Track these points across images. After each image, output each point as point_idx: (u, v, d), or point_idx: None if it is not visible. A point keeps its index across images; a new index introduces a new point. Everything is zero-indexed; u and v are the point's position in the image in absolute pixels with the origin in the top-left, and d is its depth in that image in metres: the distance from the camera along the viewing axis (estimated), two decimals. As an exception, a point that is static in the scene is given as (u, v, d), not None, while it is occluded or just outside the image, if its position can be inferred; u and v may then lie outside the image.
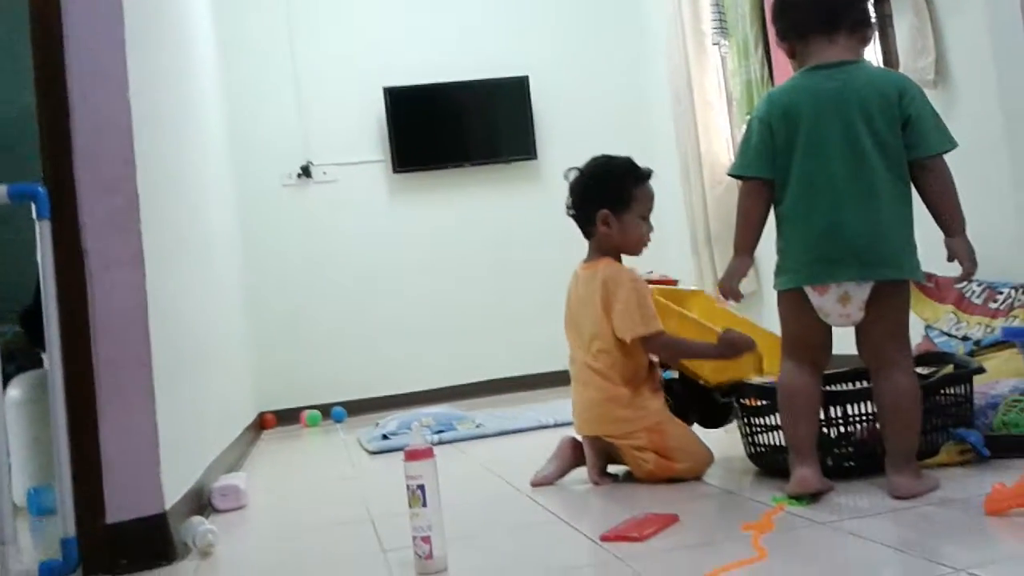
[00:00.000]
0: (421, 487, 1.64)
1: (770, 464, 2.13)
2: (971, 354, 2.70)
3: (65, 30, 2.05)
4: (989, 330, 2.79)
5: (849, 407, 2.02)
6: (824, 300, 1.77)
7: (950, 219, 1.78)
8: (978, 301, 2.93)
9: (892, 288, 1.76)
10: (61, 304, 2.02)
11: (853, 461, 1.99)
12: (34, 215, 2.00)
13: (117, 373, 2.03)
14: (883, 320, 1.76)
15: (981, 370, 2.13)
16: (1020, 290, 2.80)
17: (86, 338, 2.02)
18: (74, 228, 2.04)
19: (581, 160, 5.88)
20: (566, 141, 5.55)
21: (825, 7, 1.82)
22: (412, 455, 1.67)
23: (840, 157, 1.75)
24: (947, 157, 1.76)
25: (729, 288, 1.87)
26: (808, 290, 1.78)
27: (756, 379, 2.26)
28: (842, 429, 2.02)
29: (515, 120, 5.45)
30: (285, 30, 5.31)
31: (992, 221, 3.00)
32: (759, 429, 2.15)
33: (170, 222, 2.57)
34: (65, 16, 2.06)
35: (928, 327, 3.00)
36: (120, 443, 2.02)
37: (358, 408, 5.04)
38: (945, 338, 2.93)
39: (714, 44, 4.53)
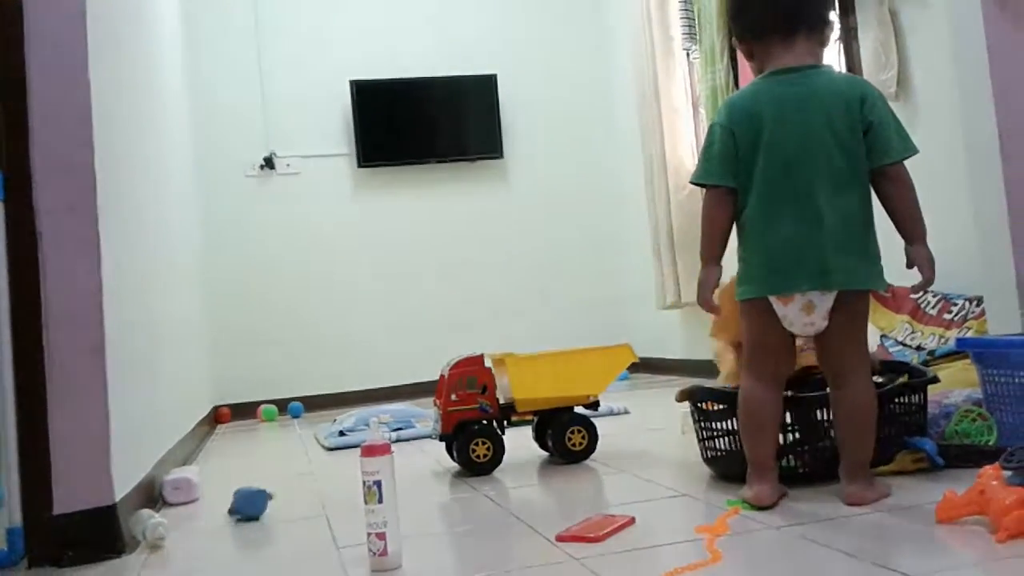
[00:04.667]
0: (377, 483, 1.63)
1: (725, 469, 2.14)
2: (925, 364, 2.74)
3: (25, 11, 2.00)
4: (943, 340, 2.84)
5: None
6: (788, 309, 1.76)
7: (912, 226, 1.79)
8: (933, 312, 2.97)
9: (854, 297, 1.77)
10: (12, 288, 1.97)
11: (807, 468, 2.01)
12: (-13, 197, 1.95)
13: (69, 360, 1.98)
14: (844, 329, 1.77)
15: (935, 380, 2.16)
16: (974, 302, 2.85)
17: (37, 323, 1.97)
18: (28, 211, 1.99)
19: (547, 161, 5.94)
20: (533, 141, 5.57)
21: (782, 8, 1.80)
22: (369, 451, 1.65)
23: (803, 164, 1.74)
24: (908, 167, 1.77)
25: (705, 301, 1.84)
26: (772, 299, 1.77)
27: (711, 383, 2.27)
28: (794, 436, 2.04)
29: (482, 118, 5.44)
30: (252, 18, 5.25)
31: (948, 234, 3.04)
32: (715, 434, 2.16)
33: (128, 208, 2.52)
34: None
35: (883, 336, 3.04)
36: (70, 433, 1.97)
37: (316, 404, 5.00)
38: (900, 347, 2.97)
39: (683, 50, 4.55)
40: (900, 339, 2.98)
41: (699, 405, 2.20)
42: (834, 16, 3.51)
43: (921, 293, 3.06)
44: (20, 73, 2.00)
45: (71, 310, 2.00)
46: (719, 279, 1.84)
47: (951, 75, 3.00)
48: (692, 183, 1.88)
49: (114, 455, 2.03)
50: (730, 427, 2.07)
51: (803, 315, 1.75)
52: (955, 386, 2.45)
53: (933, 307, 2.98)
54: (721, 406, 2.12)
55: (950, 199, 3.03)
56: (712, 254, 1.83)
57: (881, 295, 2.96)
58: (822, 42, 1.84)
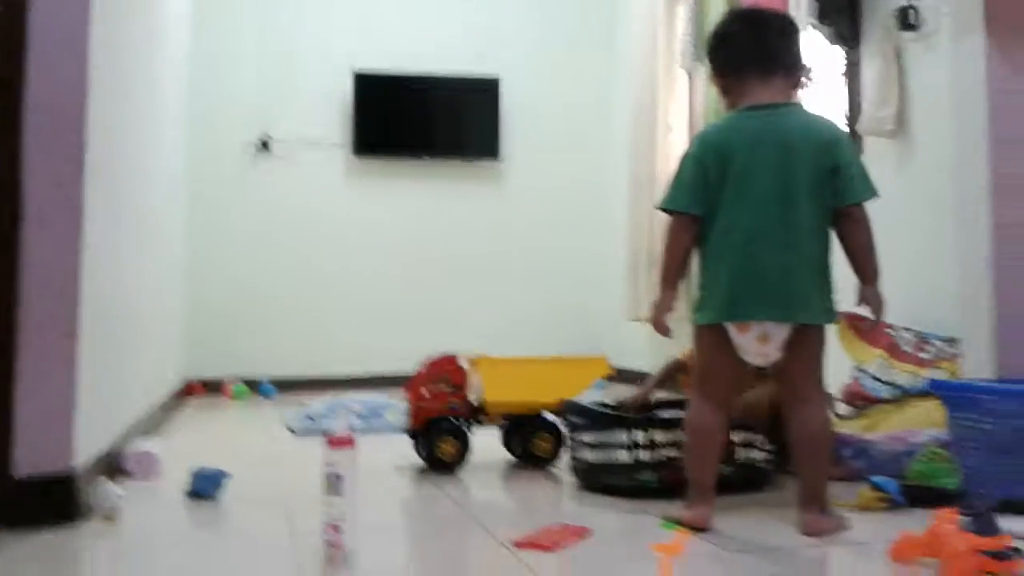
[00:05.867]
0: (338, 475, 1.62)
1: (587, 480, 2.25)
2: (896, 400, 2.76)
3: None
4: (916, 379, 2.85)
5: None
6: (744, 338, 1.78)
7: (867, 267, 1.83)
8: (908, 349, 2.98)
9: (810, 330, 1.79)
10: (-9, 253, 1.95)
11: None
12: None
13: (41, 329, 1.97)
14: (799, 360, 1.79)
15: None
16: (950, 343, 2.86)
17: (13, 294, 1.96)
18: (15, 185, 1.97)
19: (543, 167, 5.94)
20: (531, 145, 5.56)
21: (764, 48, 1.85)
22: (333, 442, 1.65)
23: (770, 200, 1.76)
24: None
25: (659, 323, 1.86)
26: (729, 327, 1.79)
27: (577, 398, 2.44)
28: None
29: (483, 120, 5.43)
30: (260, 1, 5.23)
31: (931, 273, 3.07)
32: (579, 445, 2.27)
33: (115, 187, 2.51)
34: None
35: (859, 368, 3.05)
36: (35, 399, 1.96)
37: (289, 387, 4.97)
38: (874, 382, 2.98)
39: (682, 67, 4.55)
40: (874, 373, 2.99)
41: (568, 419, 2.35)
42: (837, 50, 3.55)
43: (898, 329, 3.08)
44: (19, 46, 1.98)
45: (49, 283, 1.98)
46: (675, 302, 1.85)
47: (949, 118, 3.02)
48: (658, 208, 1.90)
49: (78, 423, 2.02)
50: (591, 440, 2.23)
51: (758, 344, 1.77)
52: (924, 425, 2.46)
53: (909, 344, 3.00)
54: (581, 420, 2.27)
55: (934, 239, 3.06)
56: (672, 279, 1.85)
57: (857, 326, 2.97)
58: (796, 85, 1.88)
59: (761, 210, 1.77)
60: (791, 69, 1.87)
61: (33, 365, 1.97)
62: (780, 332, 1.76)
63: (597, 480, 2.23)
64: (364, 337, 5.24)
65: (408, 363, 4.98)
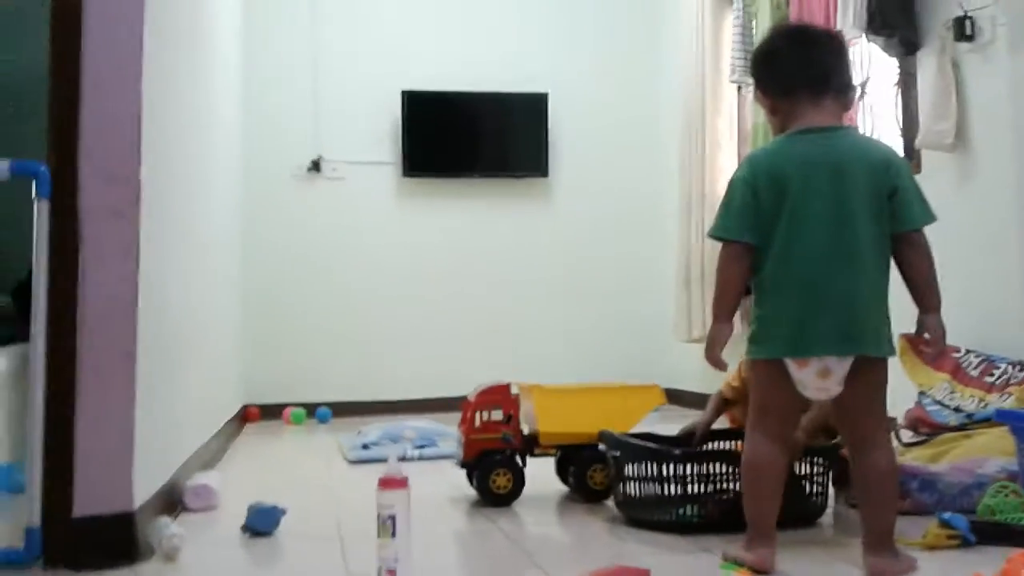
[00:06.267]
0: (392, 517, 1.62)
1: (632, 515, 2.22)
2: (962, 427, 2.68)
3: (85, 17, 2.02)
4: (983, 404, 2.76)
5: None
6: (804, 373, 1.72)
7: (928, 295, 1.76)
8: (974, 373, 2.90)
9: (872, 363, 1.73)
10: (51, 288, 1.99)
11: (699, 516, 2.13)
12: (33, 194, 1.98)
13: (100, 364, 2.00)
14: (862, 395, 1.73)
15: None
16: (1018, 367, 2.77)
17: (72, 325, 1.99)
18: (73, 213, 2.01)
19: (591, 183, 5.91)
20: (578, 162, 5.55)
21: (817, 67, 1.79)
22: (386, 484, 1.64)
23: (827, 227, 1.71)
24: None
25: (713, 357, 1.80)
26: (788, 362, 1.73)
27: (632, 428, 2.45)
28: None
29: (530, 136, 5.43)
30: (309, 22, 5.29)
31: (998, 294, 2.98)
32: (620, 478, 2.25)
33: (171, 213, 2.55)
34: (86, 4, 2.03)
35: (921, 394, 2.97)
36: (95, 436, 1.98)
37: (344, 410, 5.00)
38: (938, 406, 2.89)
39: (732, 82, 4.50)
40: (939, 398, 2.91)
41: (608, 451, 2.34)
42: (891, 61, 3.47)
43: (963, 352, 3.00)
44: (75, 77, 2.03)
45: (106, 315, 2.01)
46: (730, 336, 1.79)
47: (1010, 130, 2.94)
48: (711, 236, 1.84)
49: (137, 460, 2.04)
50: (636, 473, 2.20)
51: (818, 380, 1.71)
52: (991, 454, 2.38)
53: (975, 368, 2.91)
54: (617, 453, 2.25)
55: (999, 257, 2.97)
56: (726, 310, 1.79)
57: (920, 350, 2.89)
58: (846, 106, 1.83)
59: (819, 238, 1.72)
60: (842, 89, 1.82)
61: (93, 399, 1.99)
62: (842, 366, 1.71)
63: (638, 514, 2.20)
64: (417, 360, 5.25)
65: (461, 386, 5.00)
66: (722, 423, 2.61)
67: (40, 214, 1.98)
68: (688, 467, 2.16)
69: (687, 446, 2.37)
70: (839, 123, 1.81)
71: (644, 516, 2.19)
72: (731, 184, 1.81)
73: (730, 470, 2.15)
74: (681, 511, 2.14)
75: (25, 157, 2.02)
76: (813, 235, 1.71)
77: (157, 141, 2.27)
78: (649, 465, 2.17)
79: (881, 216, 1.72)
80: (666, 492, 2.15)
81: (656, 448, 2.26)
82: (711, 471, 2.16)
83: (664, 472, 2.15)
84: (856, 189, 1.71)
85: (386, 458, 3.23)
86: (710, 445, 2.44)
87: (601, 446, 2.38)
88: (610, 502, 2.49)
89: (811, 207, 1.72)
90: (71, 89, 2.02)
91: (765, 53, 1.89)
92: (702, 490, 2.15)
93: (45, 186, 1.97)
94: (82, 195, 2.01)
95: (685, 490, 2.15)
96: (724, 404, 2.61)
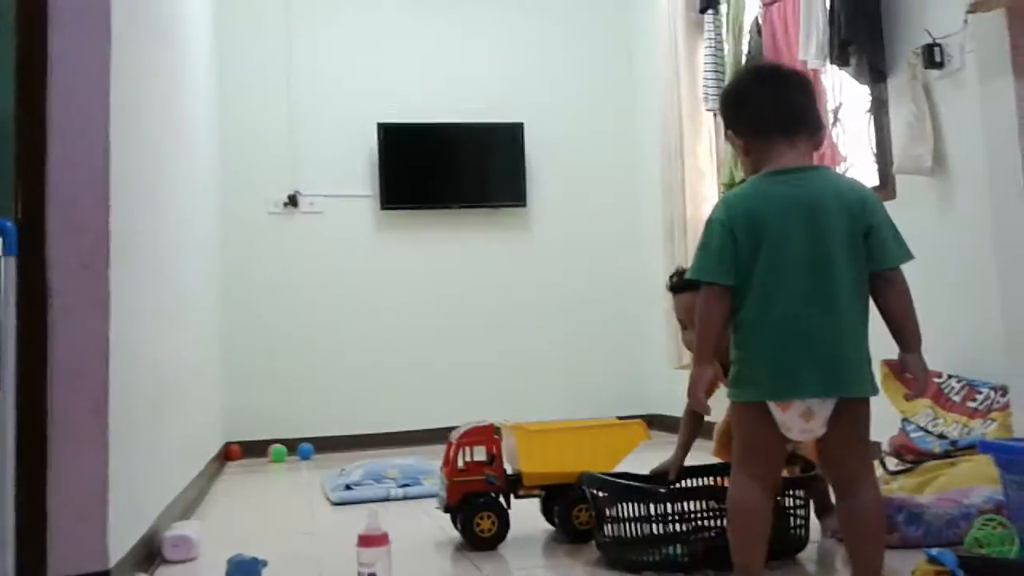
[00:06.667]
0: (373, 575, 1.59)
1: (617, 556, 2.20)
2: (946, 454, 2.67)
3: (49, 67, 2.00)
4: (966, 430, 2.76)
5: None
6: (787, 416, 1.71)
7: (909, 334, 1.75)
8: (957, 398, 2.90)
9: (855, 404, 1.71)
10: (20, 343, 1.94)
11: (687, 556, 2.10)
12: None
13: (70, 420, 1.96)
14: (846, 436, 1.72)
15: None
16: (999, 391, 2.77)
17: (42, 380, 1.96)
18: (41, 266, 1.98)
19: (571, 212, 5.90)
20: (557, 191, 5.55)
21: (788, 108, 1.79)
22: (366, 541, 1.62)
23: (805, 268, 1.70)
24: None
25: (696, 399, 1.77)
26: (771, 404, 1.72)
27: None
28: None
29: (507, 166, 5.43)
30: (284, 57, 5.29)
31: (977, 318, 2.99)
32: (602, 519, 2.23)
33: (143, 261, 2.51)
34: (50, 50, 2.01)
35: (905, 420, 2.96)
36: (67, 494, 1.95)
37: (327, 445, 4.96)
38: (921, 433, 2.89)
39: (708, 110, 4.52)
40: (922, 424, 2.91)
41: (587, 492, 2.32)
42: (864, 90, 3.49)
43: (945, 377, 3.00)
44: (40, 129, 2.00)
45: (77, 369, 1.98)
46: (712, 377, 1.78)
47: (984, 155, 2.95)
48: (688, 279, 1.82)
49: (112, 516, 2.00)
50: (617, 514, 2.17)
51: (802, 422, 1.70)
52: (977, 482, 2.38)
53: (957, 393, 2.91)
54: (602, 493, 2.23)
55: (978, 280, 2.97)
56: (708, 352, 1.76)
57: (903, 376, 2.88)
58: (817, 145, 1.83)
59: (799, 279, 1.70)
60: (814, 129, 1.82)
61: (64, 456, 1.95)
62: (825, 408, 1.69)
63: (624, 555, 2.17)
64: (399, 392, 5.22)
65: (444, 418, 4.98)
66: (696, 454, 2.57)
67: (7, 271, 1.93)
68: (675, 505, 2.14)
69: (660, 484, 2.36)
70: (812, 163, 1.81)
71: (630, 556, 2.16)
72: (708, 226, 1.79)
73: (715, 506, 2.14)
74: (668, 550, 2.12)
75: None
76: (792, 277, 1.70)
77: (126, 189, 2.24)
78: (637, 505, 2.15)
79: (858, 255, 1.71)
80: (653, 531, 2.13)
81: (644, 487, 2.24)
82: (697, 508, 2.15)
83: (651, 511, 2.13)
84: (833, 229, 1.70)
85: (369, 499, 3.24)
86: (689, 482, 2.42)
87: (584, 487, 2.34)
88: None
89: (789, 248, 1.71)
90: (37, 140, 2.00)
91: (735, 94, 1.89)
92: (688, 528, 2.14)
93: (12, 243, 1.92)
94: (50, 247, 1.99)
95: (672, 529, 2.14)
96: (698, 419, 2.58)
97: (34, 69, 2.01)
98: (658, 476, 2.44)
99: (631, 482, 2.31)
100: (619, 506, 2.18)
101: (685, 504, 2.16)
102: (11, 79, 2.03)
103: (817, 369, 1.68)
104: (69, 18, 2.04)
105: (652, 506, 2.14)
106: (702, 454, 2.50)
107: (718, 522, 2.15)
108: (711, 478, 2.41)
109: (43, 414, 1.95)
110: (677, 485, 2.36)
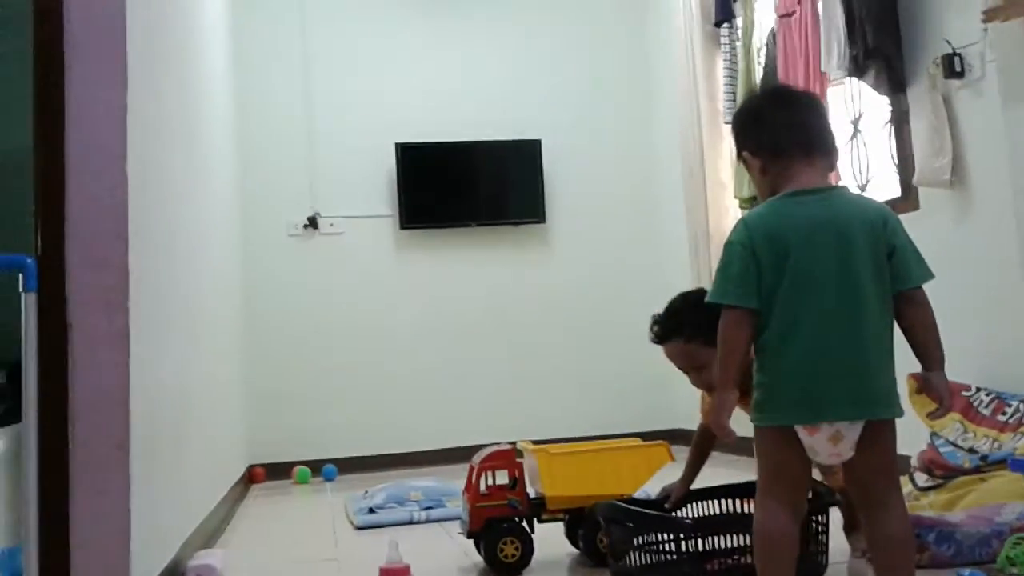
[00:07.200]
0: (394, 609, 1.57)
1: None
2: (977, 469, 2.63)
3: (67, 102, 2.02)
4: (996, 445, 2.71)
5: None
6: (815, 439, 1.68)
7: (932, 352, 1.72)
8: (986, 412, 2.85)
9: (883, 425, 1.69)
10: (41, 380, 1.96)
11: None
12: (20, 287, 1.95)
13: (92, 457, 1.96)
14: (874, 458, 1.68)
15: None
16: (1030, 404, 2.72)
17: (63, 417, 1.96)
18: (60, 302, 1.99)
19: (589, 226, 5.85)
20: (576, 206, 5.54)
21: (806, 130, 1.77)
22: (388, 574, 1.60)
23: (833, 289, 1.67)
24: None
25: (719, 426, 1.74)
26: (798, 429, 1.69)
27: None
28: None
29: (525, 183, 5.43)
30: (301, 79, 5.32)
31: (1003, 329, 2.94)
32: (616, 545, 2.17)
33: (163, 294, 2.52)
34: (68, 86, 2.03)
35: (934, 434, 2.92)
36: (90, 529, 1.94)
37: (351, 466, 4.95)
38: (951, 448, 2.84)
39: (727, 123, 4.50)
40: (951, 439, 2.86)
41: (599, 519, 2.28)
42: (884, 102, 3.46)
43: (974, 390, 2.95)
44: (59, 164, 2.01)
45: (97, 404, 1.98)
46: (736, 402, 1.75)
47: (1007, 164, 2.91)
48: (709, 302, 1.79)
49: (135, 548, 2.00)
50: (624, 541, 2.12)
51: (830, 445, 1.67)
52: (1008, 499, 2.33)
53: (986, 406, 2.86)
54: (630, 524, 2.16)
55: (1006, 293, 2.93)
56: (730, 377, 1.72)
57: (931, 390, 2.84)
58: (832, 165, 1.81)
59: (827, 300, 1.68)
60: (830, 150, 1.81)
61: (86, 493, 1.95)
62: (854, 431, 1.66)
63: None
64: (422, 412, 5.21)
65: (467, 437, 4.97)
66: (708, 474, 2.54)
67: (28, 307, 1.95)
68: (701, 536, 2.09)
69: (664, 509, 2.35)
70: (829, 183, 1.79)
71: None
72: (728, 248, 1.77)
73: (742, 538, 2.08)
74: None
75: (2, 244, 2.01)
76: (819, 298, 1.67)
77: (145, 222, 2.25)
78: (662, 535, 2.11)
79: (883, 275, 1.69)
80: (668, 558, 2.08)
81: (672, 518, 2.21)
82: (722, 539, 2.09)
83: (662, 537, 2.09)
84: (858, 249, 1.68)
85: (393, 522, 3.23)
86: (696, 506, 2.40)
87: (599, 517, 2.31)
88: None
89: (816, 270, 1.68)
90: (56, 176, 2.01)
91: (751, 113, 1.87)
92: (701, 554, 2.07)
93: (32, 279, 1.94)
94: (69, 283, 1.99)
95: (687, 553, 2.08)
96: (709, 435, 2.55)
97: (52, 105, 2.02)
98: (664, 499, 2.42)
99: (657, 512, 2.27)
100: (627, 532, 2.14)
101: (712, 534, 2.10)
102: (29, 115, 2.05)
103: (846, 392, 1.65)
104: (85, 54, 2.05)
105: (661, 533, 2.10)
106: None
107: (746, 555, 2.09)
108: (719, 501, 2.39)
109: (65, 448, 1.95)
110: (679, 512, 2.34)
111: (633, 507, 2.26)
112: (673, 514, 2.36)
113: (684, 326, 2.35)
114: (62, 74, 2.04)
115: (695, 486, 2.43)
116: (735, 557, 2.06)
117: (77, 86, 2.04)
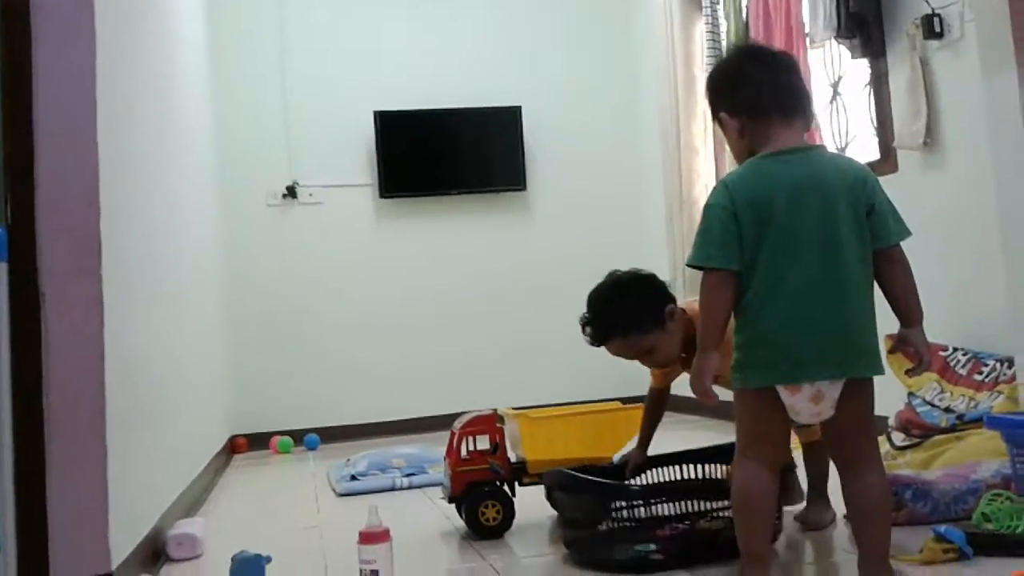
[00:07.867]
0: (375, 572, 1.58)
1: (582, 554, 2.11)
2: (953, 428, 2.65)
3: (34, 69, 1.98)
4: (972, 404, 2.74)
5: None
6: (796, 399, 1.68)
7: (911, 310, 1.73)
8: (963, 372, 2.87)
9: (862, 384, 1.69)
10: (14, 349, 1.93)
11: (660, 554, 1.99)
12: (-10, 257, 1.92)
13: (68, 424, 1.95)
14: (854, 416, 1.69)
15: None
16: (1006, 364, 2.75)
17: (37, 386, 1.94)
18: (32, 272, 1.96)
19: (571, 193, 5.83)
20: (556, 173, 5.52)
21: (785, 88, 1.76)
22: (367, 538, 1.60)
23: (814, 249, 1.67)
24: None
25: (703, 390, 1.74)
26: (780, 388, 1.69)
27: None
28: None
29: (506, 150, 5.40)
30: (278, 48, 5.25)
31: (980, 290, 2.96)
32: (568, 515, 2.20)
33: (137, 262, 2.49)
34: (35, 53, 1.98)
35: (911, 394, 2.94)
36: (68, 498, 1.93)
37: (333, 435, 4.96)
38: (928, 407, 2.87)
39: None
40: (928, 399, 2.89)
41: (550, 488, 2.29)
42: (864, 64, 3.45)
43: (951, 350, 2.97)
44: (28, 133, 1.98)
45: (72, 373, 1.96)
46: (717, 365, 1.74)
47: (984, 126, 2.91)
48: (689, 265, 1.78)
49: (114, 518, 1.99)
50: (576, 510, 2.13)
51: (811, 405, 1.67)
52: (984, 456, 2.36)
53: (963, 366, 2.89)
54: (564, 488, 2.18)
55: (982, 254, 2.94)
56: (713, 340, 1.72)
57: (907, 350, 2.86)
58: (808, 125, 1.81)
59: (808, 262, 1.67)
60: (807, 110, 1.80)
61: (63, 461, 1.94)
62: (835, 389, 1.67)
63: (592, 554, 2.08)
64: (404, 380, 5.22)
65: (449, 405, 4.98)
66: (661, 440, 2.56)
67: (-2, 276, 1.92)
68: (647, 500, 2.07)
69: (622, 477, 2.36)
70: (807, 143, 1.78)
71: (599, 555, 2.06)
72: (707, 210, 1.75)
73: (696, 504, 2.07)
74: (638, 547, 2.01)
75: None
76: (802, 259, 1.67)
77: (117, 190, 2.22)
78: (603, 499, 2.08)
79: (863, 234, 1.69)
80: (623, 527, 2.05)
81: (607, 483, 2.23)
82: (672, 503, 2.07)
83: (619, 506, 2.06)
84: (840, 208, 1.68)
85: (375, 489, 3.23)
86: (653, 473, 2.43)
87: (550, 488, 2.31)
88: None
89: (800, 230, 1.68)
90: (25, 144, 1.97)
91: (728, 73, 1.85)
92: (662, 524, 2.03)
93: (3, 249, 1.90)
94: (41, 252, 1.96)
95: (646, 523, 2.05)
96: (659, 398, 2.57)
97: (20, 73, 1.98)
98: (622, 467, 2.43)
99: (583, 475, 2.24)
100: (579, 500, 2.15)
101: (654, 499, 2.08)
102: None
103: (827, 351, 1.65)
104: (53, 20, 2.01)
105: (617, 500, 2.07)
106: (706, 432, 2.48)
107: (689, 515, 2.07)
108: (672, 467, 2.42)
109: (40, 419, 1.94)
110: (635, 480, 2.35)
111: (580, 475, 2.22)
112: (629, 481, 2.37)
113: (618, 323, 2.35)
114: (29, 41, 2.00)
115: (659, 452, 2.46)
116: (687, 523, 2.03)
117: (45, 52, 2.00)
